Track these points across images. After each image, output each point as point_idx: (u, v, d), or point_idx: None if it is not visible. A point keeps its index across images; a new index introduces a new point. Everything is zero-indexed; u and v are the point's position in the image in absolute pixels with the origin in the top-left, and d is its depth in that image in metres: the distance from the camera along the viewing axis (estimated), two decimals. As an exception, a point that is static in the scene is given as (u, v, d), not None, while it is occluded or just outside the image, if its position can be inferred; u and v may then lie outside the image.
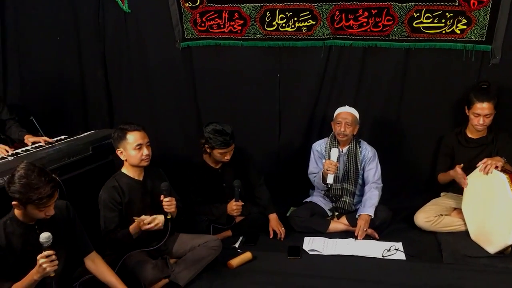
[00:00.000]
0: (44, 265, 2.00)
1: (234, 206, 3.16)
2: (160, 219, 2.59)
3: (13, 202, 2.06)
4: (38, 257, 2.01)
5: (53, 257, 2.02)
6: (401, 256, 3.01)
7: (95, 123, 3.95)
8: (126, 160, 2.68)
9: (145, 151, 2.64)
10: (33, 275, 2.05)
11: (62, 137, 3.16)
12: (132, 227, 2.61)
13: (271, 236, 3.29)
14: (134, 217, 2.59)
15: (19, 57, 4.11)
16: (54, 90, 4.11)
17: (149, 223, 2.54)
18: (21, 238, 2.14)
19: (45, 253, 2.01)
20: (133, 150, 2.62)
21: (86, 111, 4.15)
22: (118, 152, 2.67)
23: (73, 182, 2.76)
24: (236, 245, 3.21)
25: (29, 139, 3.07)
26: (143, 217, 2.58)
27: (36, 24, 4.02)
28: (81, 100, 4.14)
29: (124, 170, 2.73)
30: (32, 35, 4.06)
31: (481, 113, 3.13)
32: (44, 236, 2.01)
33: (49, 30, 4.03)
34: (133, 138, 2.62)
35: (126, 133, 2.62)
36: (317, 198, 3.53)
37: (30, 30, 4.05)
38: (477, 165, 3.06)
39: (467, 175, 3.16)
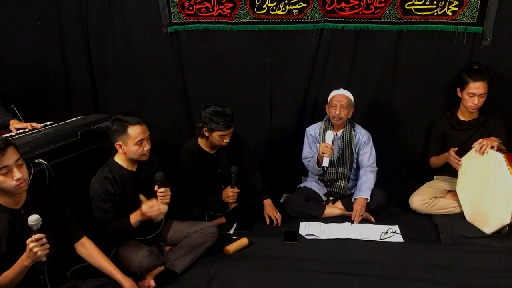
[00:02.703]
0: (34, 249, 1.89)
1: (230, 193, 3.09)
2: (164, 209, 2.51)
3: None
4: (28, 241, 1.90)
5: (44, 240, 1.92)
6: (398, 238, 2.99)
7: (79, 112, 3.77)
8: (124, 153, 2.55)
9: (147, 146, 2.53)
10: (23, 261, 1.94)
11: (48, 123, 3.02)
12: (133, 216, 2.51)
13: (267, 223, 3.23)
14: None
15: (-2, 43, 3.94)
16: (36, 78, 3.95)
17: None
18: (6, 225, 2.02)
19: (35, 236, 1.90)
20: (134, 145, 2.49)
21: (70, 99, 4.01)
22: (117, 146, 2.54)
23: (62, 167, 2.64)
24: (231, 232, 3.15)
25: (14, 125, 2.92)
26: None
27: (15, 8, 3.84)
28: (64, 88, 3.99)
29: (117, 159, 2.61)
30: (11, 20, 3.88)
31: (476, 93, 3.12)
32: (33, 219, 1.91)
33: (29, 15, 3.85)
34: (135, 132, 2.48)
35: (127, 128, 2.48)
36: (311, 183, 3.48)
37: (8, 15, 3.87)
38: (473, 145, 3.06)
39: (460, 157, 3.16)
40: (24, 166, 2.02)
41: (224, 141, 3.06)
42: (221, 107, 3.03)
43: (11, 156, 1.95)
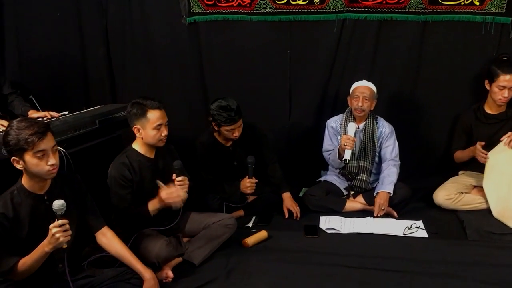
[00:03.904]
0: (57, 235, 1.85)
1: (247, 183, 3.03)
2: (183, 195, 2.47)
3: (12, 158, 1.93)
4: (51, 226, 1.86)
5: (67, 226, 1.88)
6: (423, 234, 2.90)
7: (97, 103, 3.75)
8: (142, 138, 2.51)
9: (164, 132, 2.51)
10: (44, 246, 1.90)
11: (66, 112, 3.00)
12: (151, 203, 2.48)
13: (286, 216, 3.17)
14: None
15: (17, 34, 3.91)
16: (54, 69, 3.93)
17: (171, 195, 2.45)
18: (29, 210, 2.00)
19: (59, 222, 1.86)
20: (152, 129, 2.47)
21: (88, 90, 3.99)
22: (135, 130, 2.51)
23: (80, 155, 2.61)
24: (250, 225, 3.08)
25: (33, 114, 2.92)
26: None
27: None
28: (83, 79, 3.97)
29: (135, 146, 2.57)
30: (31, 11, 3.86)
31: (506, 86, 3.02)
32: (58, 204, 1.87)
33: (49, 6, 3.84)
34: (154, 117, 2.46)
35: (147, 111, 2.45)
36: (331, 177, 3.40)
37: (28, 6, 3.85)
38: (501, 139, 2.96)
39: (486, 152, 3.05)
40: (57, 153, 2.02)
41: (234, 134, 3.01)
42: (226, 101, 2.97)
43: (49, 141, 1.95)
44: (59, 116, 2.87)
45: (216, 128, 3.05)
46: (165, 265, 2.48)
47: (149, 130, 2.46)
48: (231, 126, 2.97)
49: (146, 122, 2.45)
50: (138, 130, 2.49)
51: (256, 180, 3.05)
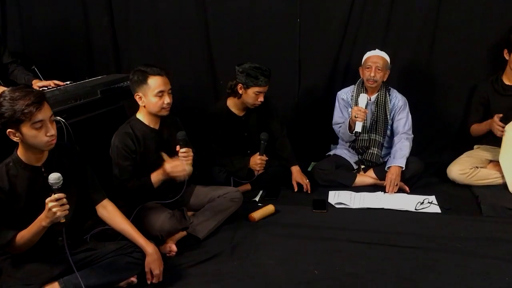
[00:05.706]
0: (53, 209, 1.77)
1: (258, 160, 2.96)
2: (188, 169, 2.40)
3: (8, 131, 1.84)
4: (47, 200, 1.79)
5: (64, 200, 1.80)
6: (435, 209, 2.82)
7: (100, 73, 3.65)
8: (144, 106, 2.43)
9: (167, 99, 2.39)
10: (41, 221, 1.83)
11: (68, 82, 2.91)
12: (154, 175, 2.41)
13: (295, 190, 3.10)
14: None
15: (19, 4, 3.80)
16: (57, 39, 3.83)
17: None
18: (26, 182, 1.93)
19: (55, 196, 1.78)
20: (153, 97, 2.37)
21: (91, 61, 3.88)
22: (137, 97, 2.42)
23: (81, 126, 2.53)
24: (257, 199, 3.02)
25: (37, 84, 2.84)
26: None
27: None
28: (86, 49, 3.86)
29: (139, 116, 2.49)
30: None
31: (526, 55, 2.88)
32: (54, 177, 1.79)
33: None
34: (155, 83, 2.36)
35: (148, 77, 2.36)
36: (341, 150, 3.30)
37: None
38: (520, 111, 2.83)
39: (504, 125, 2.93)
40: (54, 123, 1.93)
41: (259, 99, 2.94)
42: (256, 63, 2.92)
43: (47, 111, 1.86)
44: (64, 85, 2.78)
45: (240, 92, 2.95)
46: (168, 238, 2.42)
47: (150, 97, 2.37)
48: (261, 88, 2.91)
49: (147, 89, 2.36)
50: (140, 98, 2.41)
51: (267, 158, 2.97)
